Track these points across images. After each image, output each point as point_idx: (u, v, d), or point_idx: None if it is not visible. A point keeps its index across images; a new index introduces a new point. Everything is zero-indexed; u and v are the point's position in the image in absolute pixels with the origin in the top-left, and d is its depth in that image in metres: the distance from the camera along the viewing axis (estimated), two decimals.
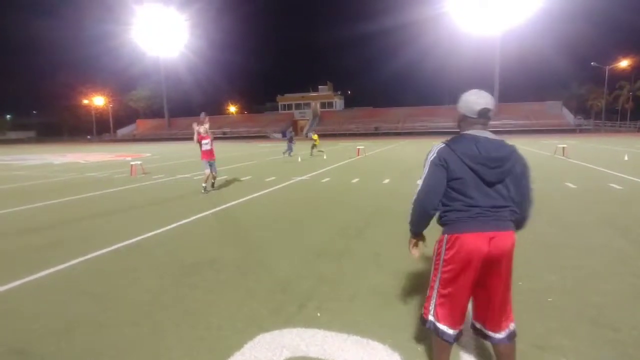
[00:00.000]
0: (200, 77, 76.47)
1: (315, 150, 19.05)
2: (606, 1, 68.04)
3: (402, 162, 16.19)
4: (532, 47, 60.91)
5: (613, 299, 3.11)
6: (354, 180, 10.50)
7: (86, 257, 4.47)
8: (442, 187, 1.93)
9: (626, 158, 14.67)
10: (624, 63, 54.34)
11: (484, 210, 1.87)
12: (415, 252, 2.19)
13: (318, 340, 2.61)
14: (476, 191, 1.88)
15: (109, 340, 2.71)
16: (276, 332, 2.73)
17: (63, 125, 79.52)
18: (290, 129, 22.44)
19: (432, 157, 1.96)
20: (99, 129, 73.20)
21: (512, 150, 1.93)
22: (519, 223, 2.00)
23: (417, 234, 2.16)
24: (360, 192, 8.67)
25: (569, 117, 51.76)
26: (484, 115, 1.96)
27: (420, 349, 2.49)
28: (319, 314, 2.99)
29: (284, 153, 18.77)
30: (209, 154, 9.05)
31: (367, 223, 5.83)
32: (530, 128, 48.35)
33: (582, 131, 47.85)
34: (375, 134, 54.87)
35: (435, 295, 1.99)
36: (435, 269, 1.99)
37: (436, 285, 1.98)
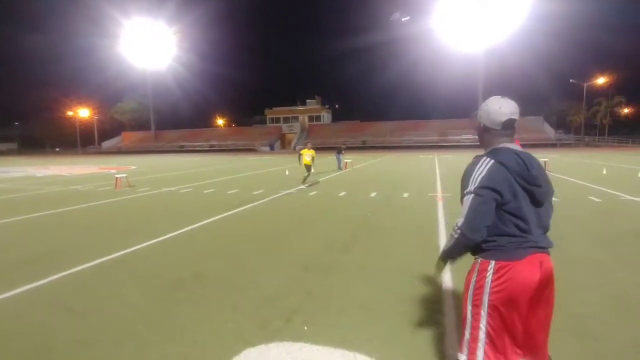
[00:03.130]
0: (189, 89, 76.86)
1: (309, 177, 12.93)
2: (583, 21, 71.07)
3: (389, 175, 16.35)
4: (514, 64, 62.93)
5: (594, 310, 3.18)
6: (341, 194, 10.55)
7: (67, 272, 4.37)
8: (493, 213, 1.66)
9: (604, 172, 15.11)
10: (600, 80, 56.46)
11: (535, 233, 1.69)
12: (442, 276, 2.00)
13: (305, 354, 2.59)
14: (529, 213, 1.68)
15: (93, 359, 2.64)
16: (262, 347, 2.71)
17: (46, 137, 78.10)
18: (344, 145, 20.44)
19: (481, 175, 1.66)
20: (83, 142, 72.11)
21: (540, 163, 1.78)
22: None
23: (450, 260, 1.88)
24: (347, 206, 8.71)
25: (550, 132, 53.21)
26: (509, 126, 1.73)
27: None
28: (306, 328, 2.97)
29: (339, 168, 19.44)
30: None
31: (354, 237, 5.85)
32: None
33: (562, 145, 49.16)
34: (363, 147, 55.34)
35: (483, 336, 1.69)
36: (477, 304, 1.70)
37: (483, 323, 1.69)
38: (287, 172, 17.56)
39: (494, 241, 1.68)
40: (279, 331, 2.93)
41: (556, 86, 65.75)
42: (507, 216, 1.66)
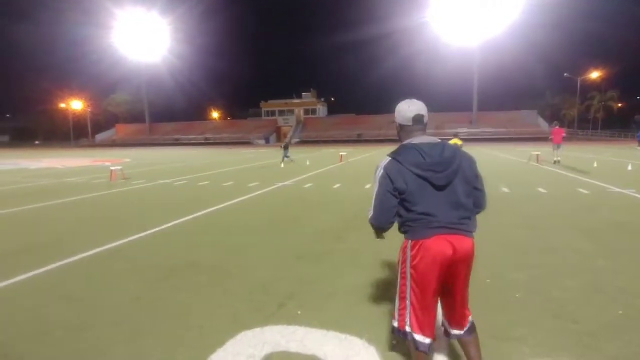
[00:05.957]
0: (183, 81, 76.09)
1: None
2: (578, 15, 71.34)
3: None
4: (509, 58, 63.15)
5: (573, 294, 3.32)
6: (336, 186, 10.65)
7: (64, 261, 4.44)
8: (392, 204, 1.95)
9: (595, 165, 15.34)
10: (594, 74, 56.80)
11: (442, 215, 1.89)
12: (382, 237, 2.27)
13: (298, 336, 2.71)
14: (429, 198, 1.90)
15: (88, 341, 2.73)
16: (257, 330, 2.81)
17: (38, 129, 77.30)
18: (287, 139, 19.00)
19: (380, 173, 1.97)
20: (76, 134, 71.43)
21: (455, 149, 1.97)
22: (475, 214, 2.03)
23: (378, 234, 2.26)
24: (341, 197, 8.82)
25: (544, 126, 53.52)
26: (418, 121, 2.04)
27: (394, 341, 2.61)
28: (299, 312, 3.09)
29: (289, 159, 18.55)
30: None
31: (347, 226, 5.96)
32: (506, 136, 49.75)
33: None
34: (358, 140, 55.39)
35: (408, 305, 1.97)
36: (403, 278, 1.99)
37: (407, 294, 1.96)
38: (282, 165, 17.62)
39: (406, 224, 1.97)
40: (273, 315, 3.04)
41: (550, 80, 66.41)
42: (406, 203, 1.94)
